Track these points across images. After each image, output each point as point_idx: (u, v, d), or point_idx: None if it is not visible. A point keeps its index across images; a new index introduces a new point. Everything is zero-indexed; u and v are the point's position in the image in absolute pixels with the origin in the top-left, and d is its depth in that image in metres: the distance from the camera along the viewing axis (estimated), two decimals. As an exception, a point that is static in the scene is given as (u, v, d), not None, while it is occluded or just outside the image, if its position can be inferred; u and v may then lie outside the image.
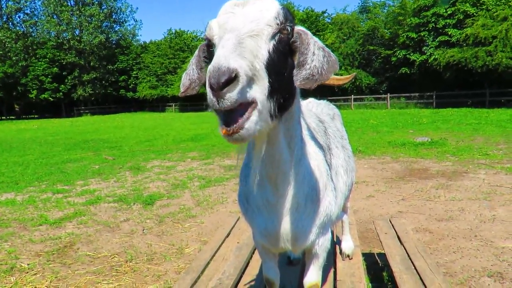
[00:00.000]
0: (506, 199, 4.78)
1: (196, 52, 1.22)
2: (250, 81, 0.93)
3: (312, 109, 1.85)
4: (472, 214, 4.36)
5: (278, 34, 1.05)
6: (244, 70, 0.90)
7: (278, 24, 1.04)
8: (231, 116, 0.93)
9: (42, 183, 7.21)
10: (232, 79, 0.87)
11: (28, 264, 3.57)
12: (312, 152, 1.39)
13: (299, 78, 1.04)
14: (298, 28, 1.13)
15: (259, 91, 0.97)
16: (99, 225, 4.65)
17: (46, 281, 3.23)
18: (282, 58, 1.07)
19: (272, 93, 1.00)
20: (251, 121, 0.95)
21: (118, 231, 4.43)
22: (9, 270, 3.46)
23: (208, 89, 0.90)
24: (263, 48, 1.00)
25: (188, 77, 1.21)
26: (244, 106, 0.94)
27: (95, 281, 3.20)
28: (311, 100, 2.13)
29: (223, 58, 0.88)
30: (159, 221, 4.70)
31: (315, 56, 1.07)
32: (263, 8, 1.04)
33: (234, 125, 0.93)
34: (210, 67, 0.88)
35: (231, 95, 0.89)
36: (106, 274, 3.32)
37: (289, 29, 1.08)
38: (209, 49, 1.15)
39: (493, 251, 3.39)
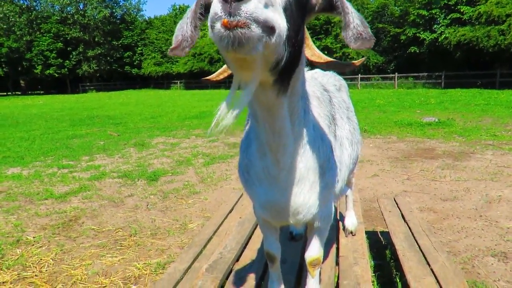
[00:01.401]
0: (513, 180, 4.73)
1: (193, 6, 1.00)
2: (268, 5, 0.78)
3: (318, 78, 1.77)
4: (477, 195, 4.32)
5: None
6: None
7: None
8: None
9: (47, 158, 7.25)
10: None
11: (34, 237, 3.62)
12: (316, 123, 1.33)
13: (351, 37, 0.94)
14: None
15: (280, 19, 0.82)
16: (104, 200, 4.68)
17: (52, 253, 3.27)
18: (299, 12, 0.94)
19: (287, 38, 0.87)
20: (260, 36, 0.77)
21: (122, 206, 4.46)
22: (15, 243, 3.51)
23: (215, 3, 0.75)
24: None
25: (181, 31, 1.02)
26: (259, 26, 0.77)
27: (99, 254, 3.24)
28: (317, 70, 2.06)
29: None
30: (163, 197, 4.72)
31: (356, 18, 0.98)
32: None
33: (241, 17, 0.74)
34: None
35: (248, 7, 0.73)
36: (110, 248, 3.36)
37: None
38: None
39: (498, 231, 3.37)
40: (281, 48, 0.88)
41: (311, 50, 1.20)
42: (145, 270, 2.93)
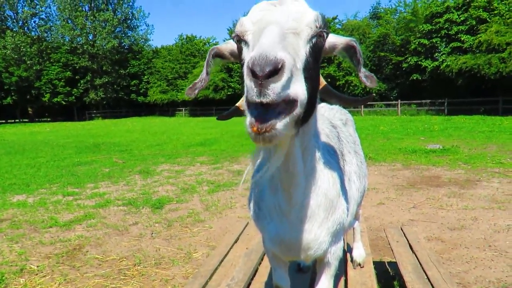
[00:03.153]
0: (521, 209, 4.67)
1: (207, 56, 1.24)
2: (290, 79, 0.87)
3: (325, 114, 1.82)
4: (485, 224, 4.26)
5: (316, 38, 1.03)
6: (289, 63, 0.84)
7: (317, 27, 1.02)
8: (265, 114, 0.86)
9: (53, 185, 7.29)
10: (278, 69, 0.81)
11: (37, 266, 3.60)
12: (326, 161, 1.36)
13: (365, 78, 1.14)
14: (352, 39, 1.21)
15: (300, 91, 0.92)
16: (108, 228, 4.67)
17: (55, 283, 3.24)
18: (315, 64, 1.05)
19: (307, 99, 0.96)
20: (284, 123, 0.87)
21: (127, 234, 4.44)
22: (19, 272, 3.48)
23: (249, 78, 0.83)
24: (302, 49, 0.98)
25: (199, 78, 1.24)
26: (282, 105, 0.87)
27: (103, 284, 3.21)
28: (323, 104, 2.11)
29: (270, 46, 0.83)
30: (167, 225, 4.69)
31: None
32: (302, 9, 1.03)
33: (268, 123, 0.85)
34: (253, 54, 0.82)
35: (276, 86, 0.82)
36: (114, 278, 3.32)
37: (325, 36, 1.07)
38: (239, 47, 1.11)
39: (508, 261, 3.30)
40: (303, 110, 0.96)
41: (321, 84, 1.28)
42: (149, 301, 2.88)
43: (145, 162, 9.79)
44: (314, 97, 1.06)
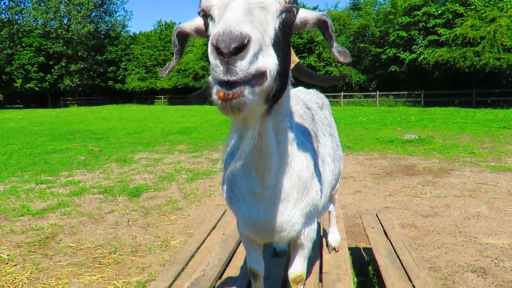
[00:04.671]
0: (490, 197, 4.85)
1: (172, 36, 1.23)
2: (258, 54, 0.84)
3: (300, 96, 1.80)
4: (457, 211, 4.40)
5: (285, 13, 1.00)
6: (256, 38, 0.81)
7: (286, 2, 0.99)
8: (232, 85, 0.83)
9: (25, 173, 7.05)
10: (244, 45, 0.78)
11: (8, 255, 3.48)
12: (300, 141, 1.35)
13: (337, 53, 1.12)
14: (324, 13, 1.18)
15: (270, 65, 0.89)
16: (83, 216, 4.56)
17: (26, 272, 3.15)
18: (286, 40, 1.02)
19: (278, 73, 0.93)
20: (253, 91, 0.85)
21: (102, 222, 4.35)
22: (-12, 261, 3.37)
23: (214, 56, 0.80)
24: (271, 24, 0.95)
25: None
26: (252, 80, 0.84)
27: (77, 272, 3.14)
28: (300, 88, 2.10)
29: (235, 21, 0.80)
30: (144, 213, 4.63)
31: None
32: None
33: (235, 89, 0.81)
34: (217, 30, 0.79)
35: (243, 64, 0.79)
36: (88, 266, 3.26)
37: (295, 11, 1.04)
38: (205, 23, 1.07)
39: (477, 247, 3.43)
40: (273, 83, 0.93)
41: (291, 56, 1.24)
42: (124, 289, 2.84)
43: (122, 150, 9.60)
44: (285, 73, 1.03)
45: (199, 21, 1.19)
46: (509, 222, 3.98)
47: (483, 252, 3.31)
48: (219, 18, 0.94)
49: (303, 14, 1.16)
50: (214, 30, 0.81)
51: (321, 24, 1.19)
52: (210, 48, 0.81)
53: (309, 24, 1.18)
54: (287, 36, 1.02)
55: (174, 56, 1.22)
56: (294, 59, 1.23)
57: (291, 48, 1.16)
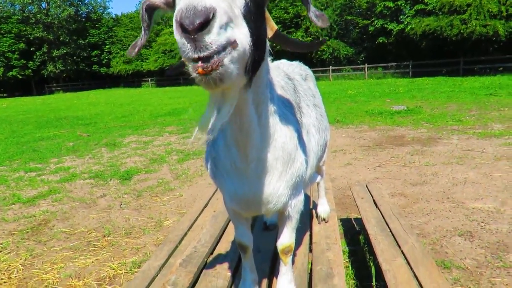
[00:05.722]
0: (477, 163, 4.94)
1: (140, 10, 1.11)
2: (227, 25, 0.81)
3: (283, 68, 1.78)
4: (445, 178, 4.49)
5: None
6: (222, 10, 0.78)
7: None
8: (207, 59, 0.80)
9: (13, 162, 6.97)
10: (209, 20, 0.75)
11: (1, 244, 3.48)
12: (282, 113, 1.33)
13: (315, 17, 1.05)
14: None
15: (242, 35, 0.86)
16: (75, 201, 4.55)
17: (21, 259, 3.16)
18: (259, 8, 0.98)
19: (252, 44, 0.90)
20: (231, 58, 0.82)
21: (94, 207, 4.35)
22: (-19, 250, 3.36)
23: (179, 34, 0.77)
24: None
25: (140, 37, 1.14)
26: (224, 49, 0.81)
27: (72, 257, 3.16)
28: (282, 61, 2.07)
29: None
30: (137, 196, 4.64)
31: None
32: None
33: (213, 59, 0.79)
34: (180, 6, 0.75)
35: (211, 37, 0.77)
36: (83, 250, 3.28)
37: None
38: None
39: (464, 211, 3.52)
40: (248, 53, 0.90)
41: (269, 24, 1.19)
42: (120, 270, 2.87)
43: (111, 134, 9.50)
44: (261, 43, 1.00)
45: None
46: (495, 187, 4.07)
47: (470, 217, 3.40)
48: None
49: None
50: (177, 5, 0.77)
51: None
52: (174, 25, 0.77)
53: None
54: (259, 4, 0.98)
55: (143, 32, 1.13)
56: (273, 26, 1.19)
57: (269, 16, 1.13)
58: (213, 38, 0.77)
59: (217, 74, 0.81)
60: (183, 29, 0.76)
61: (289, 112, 1.38)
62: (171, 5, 1.11)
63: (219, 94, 0.92)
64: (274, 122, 1.27)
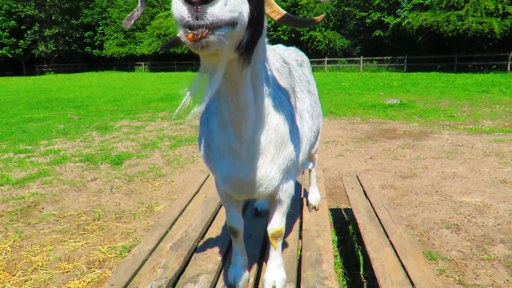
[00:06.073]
0: (467, 158, 5.01)
1: None
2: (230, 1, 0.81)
3: (279, 52, 1.77)
4: (434, 172, 4.55)
5: None
6: None
7: None
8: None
9: (2, 143, 6.87)
10: None
11: (-11, 224, 3.45)
12: (276, 95, 1.33)
13: None
14: None
15: (244, 12, 0.87)
16: (65, 184, 4.52)
17: (9, 240, 3.14)
18: None
19: (250, 20, 0.90)
20: (224, 32, 0.82)
21: (85, 190, 4.33)
22: (-31, 230, 3.33)
23: (182, 2, 0.77)
24: None
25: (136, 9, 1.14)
26: (223, 26, 0.82)
27: (61, 239, 3.15)
28: (279, 45, 2.05)
29: None
30: (128, 180, 4.62)
31: None
32: None
33: (203, 28, 0.79)
34: None
35: (214, 10, 0.77)
36: (73, 233, 3.27)
37: None
38: None
39: (452, 205, 3.58)
40: (244, 30, 0.91)
41: (271, 7, 1.19)
42: (110, 254, 2.87)
43: (102, 118, 9.41)
44: (260, 19, 1.00)
45: None
46: (483, 181, 4.14)
47: (457, 210, 3.46)
48: None
49: None
50: None
51: None
52: None
53: None
54: None
55: (139, 3, 1.13)
56: (279, 10, 1.17)
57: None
58: (216, 12, 0.78)
59: (205, 41, 0.81)
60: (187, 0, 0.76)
61: (283, 95, 1.37)
62: None
63: (210, 61, 0.92)
64: (269, 103, 1.26)
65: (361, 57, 27.78)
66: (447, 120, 7.57)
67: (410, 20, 24.19)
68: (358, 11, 29.22)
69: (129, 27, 1.17)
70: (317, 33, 29.69)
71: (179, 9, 0.78)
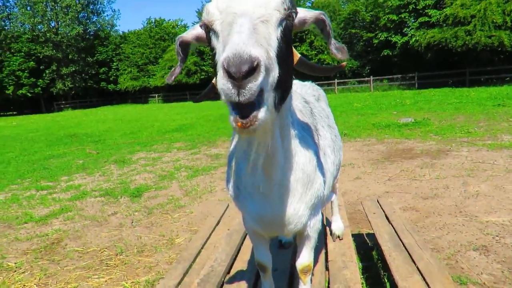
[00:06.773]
0: (489, 175, 4.90)
1: (175, 46, 1.31)
2: (267, 70, 0.88)
3: (297, 90, 1.82)
4: (456, 191, 4.45)
5: (285, 21, 1.02)
6: (263, 59, 0.85)
7: (285, 10, 1.00)
8: (245, 108, 0.87)
9: (25, 180, 7.05)
10: (254, 68, 0.81)
11: (15, 263, 3.51)
12: (302, 136, 1.37)
13: (335, 48, 1.20)
14: (321, 12, 1.22)
15: (276, 75, 0.94)
16: (87, 220, 4.58)
17: (35, 278, 3.18)
18: (288, 46, 1.05)
19: (279, 82, 0.96)
20: (264, 111, 0.89)
21: (106, 225, 4.38)
22: (-4, 270, 3.39)
23: (224, 79, 0.83)
24: (273, 35, 0.97)
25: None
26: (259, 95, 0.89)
27: (85, 276, 3.17)
28: (295, 82, 2.11)
29: (243, 45, 0.82)
30: (147, 213, 4.66)
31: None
32: None
33: (249, 117, 0.87)
34: (227, 54, 0.81)
35: (252, 86, 0.83)
36: (96, 269, 3.29)
37: (294, 16, 1.06)
38: (208, 35, 1.09)
39: (478, 225, 3.48)
40: (275, 91, 0.98)
41: (295, 57, 1.26)
42: (133, 289, 2.87)
43: (120, 151, 9.60)
44: (289, 76, 1.07)
45: (199, 30, 1.24)
46: (508, 199, 4.03)
47: (484, 230, 3.36)
48: (223, 35, 0.96)
49: (301, 14, 1.18)
50: (223, 53, 0.83)
51: (319, 23, 1.22)
52: (221, 71, 0.83)
53: (307, 23, 1.21)
54: (288, 41, 1.05)
55: (179, 63, 1.30)
56: (296, 54, 1.24)
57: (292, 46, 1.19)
58: (255, 87, 0.84)
59: (252, 128, 0.89)
60: (230, 76, 0.81)
61: (308, 135, 1.42)
62: (201, 41, 1.27)
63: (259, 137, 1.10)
64: (295, 145, 1.32)
65: (371, 76, 27.88)
66: (465, 137, 7.46)
67: (417, 38, 24.33)
68: (365, 32, 29.60)
69: (171, 82, 1.37)
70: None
71: (224, 84, 0.84)
